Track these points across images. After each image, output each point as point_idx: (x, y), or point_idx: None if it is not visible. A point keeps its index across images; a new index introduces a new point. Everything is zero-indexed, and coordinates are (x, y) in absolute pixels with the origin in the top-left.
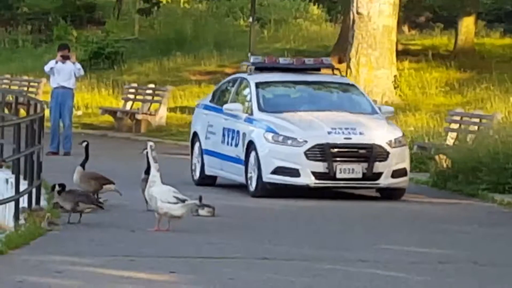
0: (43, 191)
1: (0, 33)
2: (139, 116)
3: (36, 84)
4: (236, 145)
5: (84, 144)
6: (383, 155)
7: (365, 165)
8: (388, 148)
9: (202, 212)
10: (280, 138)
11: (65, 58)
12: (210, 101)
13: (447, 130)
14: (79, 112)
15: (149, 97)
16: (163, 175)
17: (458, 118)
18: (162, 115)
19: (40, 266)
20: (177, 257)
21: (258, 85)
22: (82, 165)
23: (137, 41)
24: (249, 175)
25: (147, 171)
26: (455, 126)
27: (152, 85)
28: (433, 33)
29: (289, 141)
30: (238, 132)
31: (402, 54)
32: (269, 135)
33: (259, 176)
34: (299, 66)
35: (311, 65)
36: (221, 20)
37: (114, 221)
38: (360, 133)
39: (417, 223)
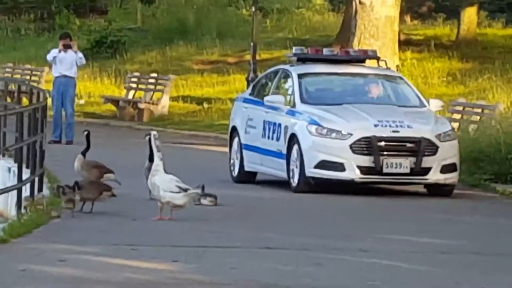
0: (45, 179)
1: (2, 21)
2: (141, 105)
3: (38, 73)
4: (278, 138)
5: (85, 133)
6: (432, 149)
7: (413, 159)
8: (437, 142)
9: (204, 201)
10: (324, 131)
11: (66, 47)
12: (250, 94)
13: (449, 120)
14: (82, 101)
15: (152, 86)
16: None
17: (460, 108)
18: (164, 104)
19: (43, 255)
20: (179, 246)
21: (300, 76)
22: (83, 153)
23: (139, 30)
24: (291, 170)
25: (151, 158)
26: (457, 116)
27: (154, 74)
28: (435, 23)
29: (334, 134)
30: (279, 125)
31: (405, 44)
32: (313, 128)
33: (302, 171)
34: (344, 57)
35: (356, 56)
36: (224, 10)
37: (116, 210)
38: (408, 126)
39: (419, 213)
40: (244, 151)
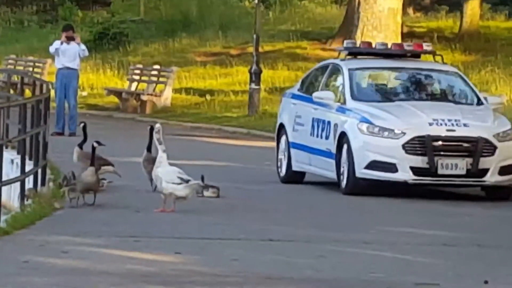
0: (48, 171)
1: (5, 13)
2: (144, 97)
3: (41, 64)
4: (327, 137)
5: (81, 125)
6: (490, 150)
7: (469, 160)
8: (495, 142)
9: (206, 193)
10: (376, 129)
11: (69, 39)
12: (298, 90)
13: None
14: (84, 93)
15: (154, 78)
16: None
17: None
18: (167, 96)
19: (46, 246)
20: (182, 237)
21: (351, 71)
22: (80, 145)
23: (142, 22)
24: (341, 170)
25: (149, 148)
26: None
27: (157, 66)
28: (438, 15)
29: (386, 133)
30: (329, 122)
31: (407, 36)
32: (364, 126)
33: (352, 171)
34: (397, 52)
35: (411, 51)
36: (226, 1)
37: (119, 201)
38: (465, 125)
39: (422, 205)
40: (291, 150)
